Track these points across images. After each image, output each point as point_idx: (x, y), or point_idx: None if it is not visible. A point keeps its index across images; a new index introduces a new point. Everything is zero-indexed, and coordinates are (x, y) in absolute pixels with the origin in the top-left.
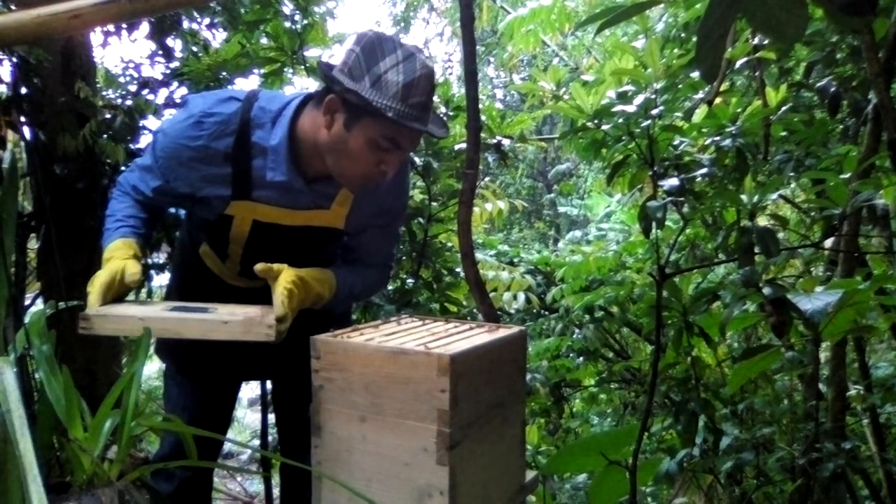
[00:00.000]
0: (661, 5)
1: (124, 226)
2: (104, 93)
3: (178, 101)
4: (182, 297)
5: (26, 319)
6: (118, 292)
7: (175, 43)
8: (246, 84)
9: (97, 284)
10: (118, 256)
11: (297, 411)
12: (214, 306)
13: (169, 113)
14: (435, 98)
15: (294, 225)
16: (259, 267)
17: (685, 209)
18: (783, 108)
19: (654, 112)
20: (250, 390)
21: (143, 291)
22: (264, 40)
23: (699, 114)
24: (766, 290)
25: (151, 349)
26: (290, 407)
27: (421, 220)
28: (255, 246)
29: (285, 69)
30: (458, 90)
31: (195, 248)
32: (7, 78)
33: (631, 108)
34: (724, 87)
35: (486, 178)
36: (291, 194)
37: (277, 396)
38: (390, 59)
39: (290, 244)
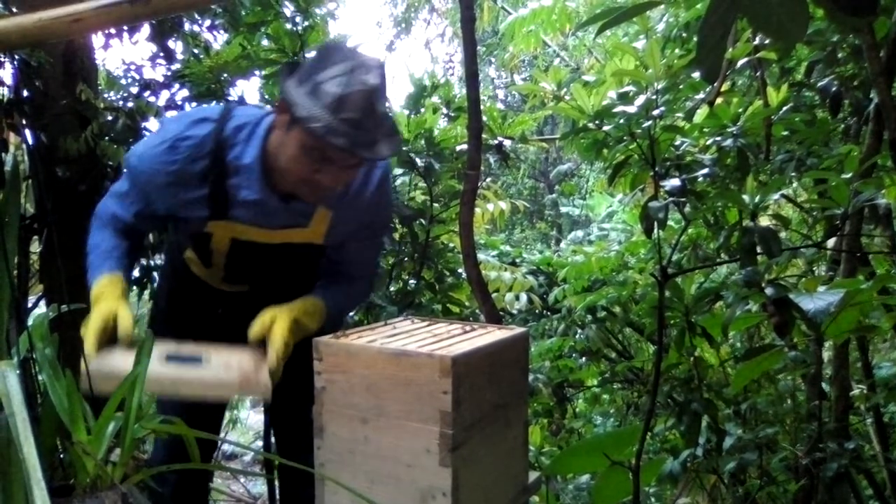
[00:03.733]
0: (662, 6)
1: (109, 258)
2: (106, 95)
3: (178, 102)
4: (170, 300)
5: (29, 322)
6: (111, 335)
7: (176, 45)
8: (246, 86)
9: (91, 333)
10: (107, 296)
11: (292, 411)
12: (208, 353)
13: (170, 115)
14: (388, 113)
15: (273, 242)
16: (254, 334)
17: (687, 209)
18: (784, 108)
19: (656, 112)
20: None
21: (146, 292)
22: (265, 42)
23: (700, 114)
24: (769, 290)
25: None
26: (284, 406)
27: (423, 221)
28: (237, 259)
29: None
30: (459, 91)
31: (180, 253)
32: (9, 80)
33: (632, 109)
34: (725, 87)
35: (488, 179)
36: (267, 212)
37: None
38: (335, 69)
39: (271, 258)
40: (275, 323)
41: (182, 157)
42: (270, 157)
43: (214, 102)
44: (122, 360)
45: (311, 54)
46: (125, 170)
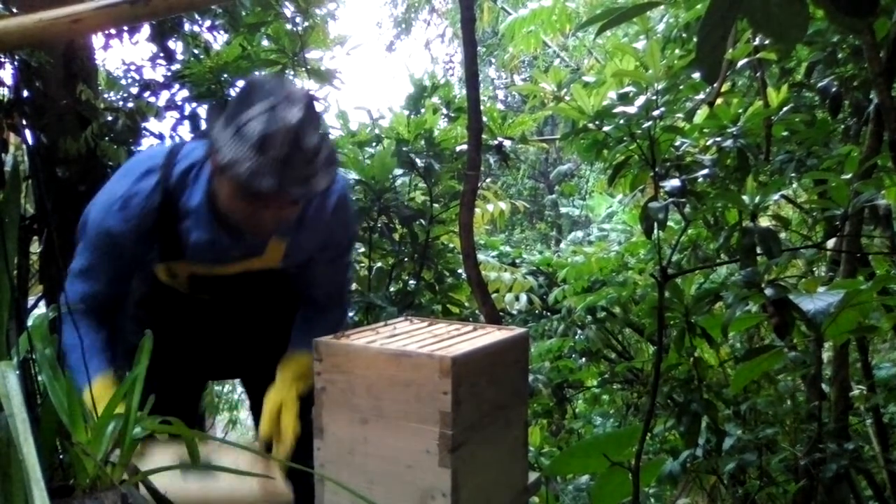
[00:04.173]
0: (662, 6)
1: (93, 358)
2: (106, 95)
3: (179, 102)
4: (142, 304)
5: (29, 323)
6: None
7: (176, 45)
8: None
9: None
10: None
11: (310, 294)
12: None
13: (171, 115)
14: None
15: (232, 273)
16: (265, 433)
17: (687, 210)
18: (784, 109)
19: (656, 113)
20: None
21: None
22: (265, 42)
23: (700, 114)
24: (769, 291)
25: None
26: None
27: (423, 221)
28: (201, 284)
29: (286, 71)
30: (459, 91)
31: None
32: (9, 81)
33: (632, 109)
34: (725, 87)
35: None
36: (221, 249)
37: (253, 395)
38: (257, 108)
39: (233, 283)
40: (283, 415)
41: (134, 214)
42: (215, 198)
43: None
44: (165, 457)
45: (319, 54)
46: (81, 243)
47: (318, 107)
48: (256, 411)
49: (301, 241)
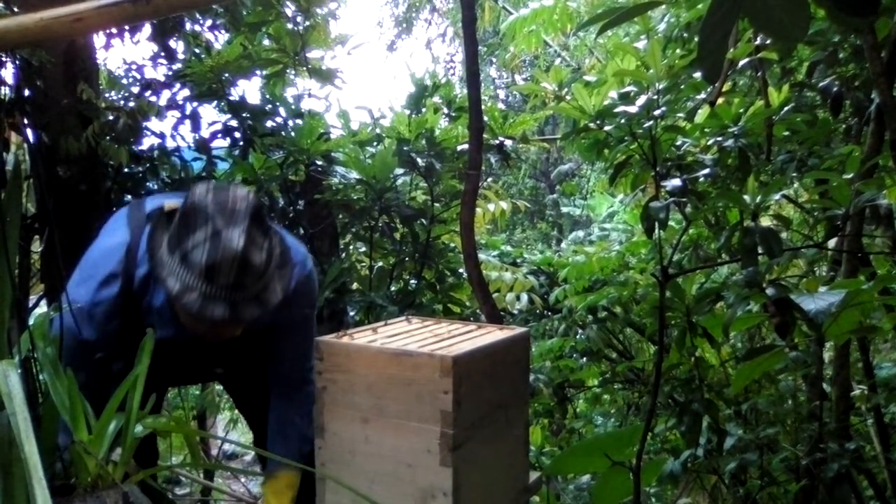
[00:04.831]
0: (663, 6)
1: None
2: (107, 94)
3: (180, 102)
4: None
5: (30, 322)
6: None
7: (177, 45)
8: (247, 85)
9: None
10: None
11: (258, 404)
12: None
13: (172, 115)
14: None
15: (197, 349)
16: None
17: (688, 209)
18: (786, 108)
19: (657, 112)
20: None
21: None
22: (266, 42)
23: (701, 114)
24: (770, 291)
25: None
26: (250, 403)
27: (423, 221)
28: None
29: (287, 70)
30: (460, 91)
31: None
32: (10, 80)
33: (633, 109)
34: (726, 87)
35: (489, 179)
36: (184, 339)
37: (236, 397)
38: (201, 233)
39: (201, 348)
40: None
41: (99, 321)
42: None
43: (215, 102)
44: None
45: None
46: (64, 360)
47: (263, 218)
48: (241, 409)
49: (261, 320)
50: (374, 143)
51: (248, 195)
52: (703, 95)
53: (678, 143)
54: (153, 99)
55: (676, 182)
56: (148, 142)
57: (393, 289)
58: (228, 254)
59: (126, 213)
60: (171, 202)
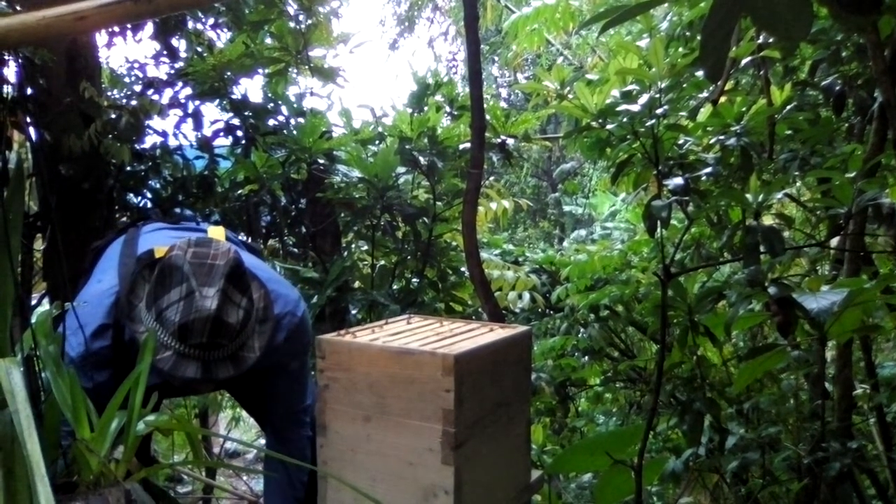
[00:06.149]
0: (666, 4)
1: None
2: (109, 93)
3: (182, 100)
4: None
5: (33, 320)
6: None
7: (180, 43)
8: (249, 84)
9: None
10: None
11: (261, 403)
12: None
13: (174, 113)
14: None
15: (190, 391)
16: None
17: (690, 208)
18: (788, 107)
19: (659, 111)
20: None
21: None
22: (268, 40)
23: (704, 113)
24: (772, 290)
25: None
26: (253, 404)
27: (426, 219)
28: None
29: (289, 69)
30: (462, 89)
31: None
32: (12, 79)
33: (635, 108)
34: (728, 85)
35: (491, 178)
36: (176, 385)
37: (244, 403)
38: (176, 293)
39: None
40: None
41: (90, 372)
42: None
43: (217, 101)
44: None
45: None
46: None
47: (243, 272)
48: (245, 406)
49: (250, 367)
50: (377, 142)
51: (229, 251)
52: (705, 94)
53: (680, 141)
54: (155, 97)
55: (678, 181)
56: (150, 140)
57: (395, 287)
58: (202, 315)
59: (119, 251)
60: (161, 246)
